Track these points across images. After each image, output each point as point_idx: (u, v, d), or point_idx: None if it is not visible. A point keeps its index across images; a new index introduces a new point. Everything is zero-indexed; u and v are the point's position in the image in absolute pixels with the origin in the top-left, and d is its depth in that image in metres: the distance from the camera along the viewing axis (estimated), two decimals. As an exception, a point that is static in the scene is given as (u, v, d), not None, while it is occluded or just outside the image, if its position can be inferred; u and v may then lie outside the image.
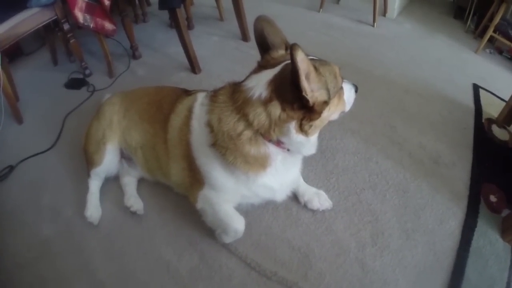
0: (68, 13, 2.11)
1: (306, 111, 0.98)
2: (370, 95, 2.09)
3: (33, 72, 2.54)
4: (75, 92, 2.28)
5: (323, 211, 1.44)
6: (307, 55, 0.88)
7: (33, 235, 1.46)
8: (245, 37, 2.64)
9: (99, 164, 1.48)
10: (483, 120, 1.94)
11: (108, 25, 2.23)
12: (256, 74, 1.05)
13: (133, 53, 2.54)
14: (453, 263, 1.28)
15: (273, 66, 1.03)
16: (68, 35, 2.19)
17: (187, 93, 1.43)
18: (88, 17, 2.11)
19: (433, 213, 1.45)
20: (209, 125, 1.10)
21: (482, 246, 1.34)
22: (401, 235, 1.37)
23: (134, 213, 1.45)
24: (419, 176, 1.59)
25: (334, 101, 1.08)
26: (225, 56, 2.52)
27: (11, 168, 1.75)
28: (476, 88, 2.21)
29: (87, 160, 1.53)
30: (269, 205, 1.44)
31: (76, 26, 2.24)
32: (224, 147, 1.08)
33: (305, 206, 1.45)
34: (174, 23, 2.18)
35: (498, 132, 1.87)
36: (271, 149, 1.09)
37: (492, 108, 2.03)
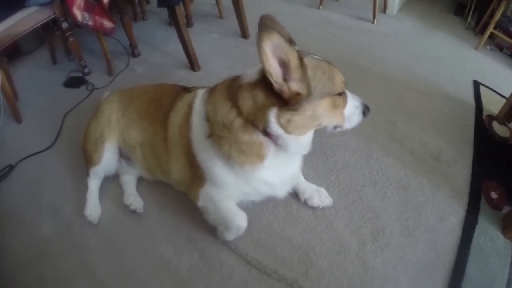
0: (66, 12, 2.10)
1: (282, 100, 0.98)
2: (370, 92, 2.09)
3: (32, 71, 2.54)
4: (74, 91, 2.27)
5: (324, 208, 1.44)
6: (291, 44, 0.92)
7: (33, 234, 1.45)
8: (244, 35, 2.64)
9: (98, 163, 1.47)
10: (483, 117, 1.93)
11: (107, 23, 2.22)
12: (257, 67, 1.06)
13: (132, 51, 2.54)
14: (454, 260, 1.28)
15: None
16: (67, 34, 2.18)
17: (186, 90, 1.43)
18: (86, 15, 2.10)
19: (434, 210, 1.44)
20: (206, 116, 1.13)
21: (483, 243, 1.33)
22: (402, 232, 1.36)
23: (133, 212, 1.45)
24: (420, 173, 1.59)
25: (323, 104, 1.02)
26: (224, 54, 2.51)
27: (11, 167, 1.75)
28: (476, 84, 2.20)
29: (86, 159, 1.53)
30: (269, 203, 1.43)
31: (75, 25, 2.23)
32: (220, 136, 1.09)
33: (305, 203, 1.44)
34: (173, 20, 2.17)
35: (499, 129, 1.87)
36: (261, 138, 1.07)
37: (493, 105, 2.02)
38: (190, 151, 1.23)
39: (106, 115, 1.49)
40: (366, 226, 1.39)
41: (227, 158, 1.12)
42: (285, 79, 0.95)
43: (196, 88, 1.39)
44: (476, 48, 2.64)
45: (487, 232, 1.37)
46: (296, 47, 1.05)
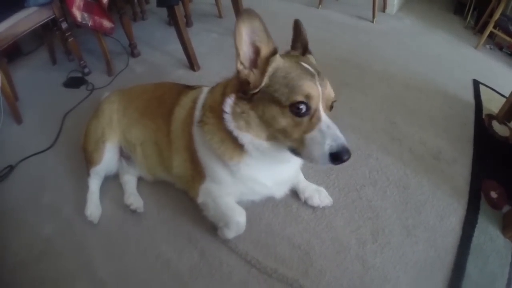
0: (66, 12, 2.10)
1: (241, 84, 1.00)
2: (370, 91, 2.09)
3: (32, 72, 2.54)
4: (74, 91, 2.27)
5: (323, 208, 1.44)
6: (262, 28, 0.92)
7: (34, 234, 1.46)
8: (244, 34, 2.63)
9: (99, 163, 1.48)
10: (483, 116, 1.94)
11: (107, 23, 2.22)
12: None
13: (132, 51, 2.53)
14: (454, 259, 1.28)
15: None
16: (67, 34, 2.18)
17: (189, 87, 1.45)
18: (86, 15, 2.10)
19: (434, 210, 1.44)
20: (202, 104, 1.18)
21: (483, 242, 1.33)
22: (401, 232, 1.36)
23: (134, 211, 1.45)
24: (420, 172, 1.59)
25: (271, 110, 0.96)
26: (224, 53, 2.51)
27: (11, 167, 1.75)
28: (476, 83, 2.20)
29: (86, 159, 1.53)
30: (269, 202, 1.44)
31: (75, 25, 2.23)
32: (205, 123, 1.13)
33: (305, 202, 1.45)
34: (173, 20, 2.17)
35: (499, 128, 1.87)
36: (234, 130, 1.05)
37: (493, 104, 2.02)
38: (191, 146, 1.24)
39: (107, 115, 1.50)
40: (366, 225, 1.39)
41: (211, 148, 1.14)
42: (253, 67, 0.98)
43: (201, 86, 1.41)
44: (476, 47, 2.64)
45: (487, 231, 1.37)
46: (311, 56, 1.07)
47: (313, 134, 0.92)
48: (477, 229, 1.37)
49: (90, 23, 2.13)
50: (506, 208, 1.45)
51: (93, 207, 1.46)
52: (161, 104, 1.42)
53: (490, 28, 2.55)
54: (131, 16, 3.01)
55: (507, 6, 2.58)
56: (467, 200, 1.48)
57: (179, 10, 2.09)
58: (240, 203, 1.27)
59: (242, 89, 1.00)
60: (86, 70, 2.39)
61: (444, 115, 1.93)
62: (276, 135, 1.00)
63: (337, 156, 0.91)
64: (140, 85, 1.64)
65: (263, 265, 1.27)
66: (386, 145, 1.72)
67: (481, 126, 1.87)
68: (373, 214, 1.42)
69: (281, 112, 0.95)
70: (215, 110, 1.10)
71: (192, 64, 2.30)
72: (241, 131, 1.03)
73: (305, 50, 1.08)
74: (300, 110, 0.92)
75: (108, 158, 1.48)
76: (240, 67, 0.98)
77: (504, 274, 1.25)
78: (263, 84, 0.95)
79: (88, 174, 1.51)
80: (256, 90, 0.96)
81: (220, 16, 3.00)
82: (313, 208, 1.44)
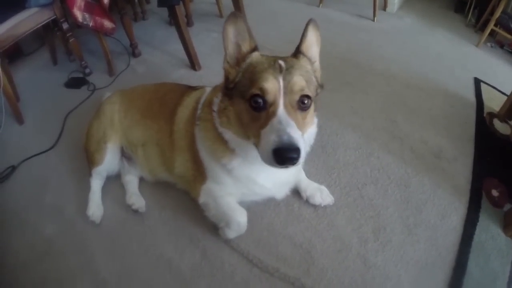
0: (67, 13, 2.11)
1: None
2: (371, 89, 2.09)
3: (33, 72, 2.54)
4: (75, 91, 2.28)
5: (325, 206, 1.44)
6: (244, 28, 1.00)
7: (36, 235, 1.46)
8: (244, 34, 2.63)
9: (101, 163, 1.48)
10: (484, 114, 1.94)
11: (107, 24, 2.22)
12: None
13: (133, 51, 2.54)
14: (455, 258, 1.29)
15: None
16: (68, 35, 2.19)
17: (192, 88, 1.46)
18: (87, 16, 2.10)
19: (435, 208, 1.44)
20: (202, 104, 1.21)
21: (484, 240, 1.34)
22: (403, 230, 1.37)
23: (135, 211, 1.46)
24: (421, 170, 1.59)
25: (238, 105, 0.99)
26: (225, 53, 2.50)
27: (13, 168, 1.76)
28: (477, 82, 2.20)
29: (88, 159, 1.53)
30: (270, 202, 1.44)
31: (75, 25, 2.23)
32: (202, 119, 1.16)
33: (307, 201, 1.45)
34: (174, 20, 2.18)
35: (500, 126, 1.87)
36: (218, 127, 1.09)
37: (494, 102, 2.02)
38: (193, 146, 1.25)
39: (109, 116, 1.50)
40: (367, 224, 1.39)
41: (205, 146, 1.16)
42: (237, 65, 1.04)
43: (204, 86, 1.42)
44: (477, 45, 2.63)
45: (488, 230, 1.37)
46: (303, 57, 1.06)
47: (266, 129, 0.89)
48: (478, 228, 1.37)
49: (91, 24, 2.13)
50: (507, 207, 1.45)
51: (95, 207, 1.46)
52: (163, 104, 1.42)
53: (491, 26, 2.54)
54: (132, 16, 3.01)
55: (508, 4, 2.57)
56: (468, 199, 1.48)
57: (180, 10, 2.10)
58: (241, 203, 1.27)
59: (226, 85, 1.05)
60: (87, 70, 2.39)
61: (445, 114, 1.93)
62: (247, 132, 1.00)
63: (279, 153, 0.85)
64: (141, 86, 1.65)
65: (265, 264, 1.27)
66: (387, 144, 1.72)
67: (482, 125, 1.87)
68: (374, 213, 1.43)
69: (245, 107, 0.96)
70: (209, 108, 1.14)
71: (193, 63, 2.30)
72: (223, 127, 1.07)
73: (296, 51, 1.07)
74: (257, 104, 0.92)
75: (109, 159, 1.49)
76: (226, 65, 1.05)
77: (505, 272, 1.25)
78: (237, 79, 1.00)
79: (90, 174, 1.52)
80: (232, 85, 1.02)
81: (221, 16, 3.00)
82: (315, 206, 1.44)
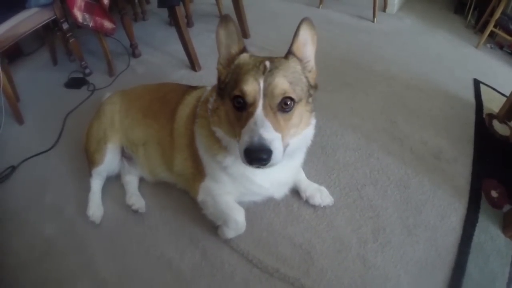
0: (67, 13, 2.11)
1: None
2: (371, 90, 2.10)
3: (33, 72, 2.54)
4: (75, 92, 2.28)
5: (324, 207, 1.44)
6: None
7: (36, 235, 1.46)
8: (245, 34, 2.63)
9: (101, 163, 1.48)
10: (484, 116, 1.94)
11: (108, 24, 2.23)
12: None
13: (133, 52, 2.54)
14: (455, 258, 1.29)
15: None
16: (68, 35, 2.19)
17: (192, 88, 1.47)
18: (87, 16, 2.11)
19: (435, 209, 1.45)
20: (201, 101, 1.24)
21: (483, 241, 1.34)
22: (402, 231, 1.37)
23: (135, 212, 1.46)
24: (420, 171, 1.59)
25: (226, 105, 1.02)
26: (224, 54, 2.51)
27: (13, 168, 1.76)
28: (477, 83, 2.20)
29: (88, 160, 1.54)
30: (270, 202, 1.44)
31: (76, 26, 2.24)
32: (201, 116, 1.19)
33: (306, 202, 1.45)
34: (174, 21, 2.18)
35: (499, 128, 1.87)
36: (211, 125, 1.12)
37: (493, 103, 2.02)
38: (193, 144, 1.26)
39: (109, 116, 1.51)
40: (367, 224, 1.39)
41: (202, 143, 1.19)
42: (228, 66, 1.07)
43: (205, 86, 1.43)
44: (476, 47, 2.64)
45: (487, 230, 1.38)
46: (293, 58, 1.06)
47: (244, 129, 0.91)
48: (478, 229, 1.38)
49: (91, 24, 2.13)
50: (506, 208, 1.46)
51: (95, 208, 1.46)
52: (164, 104, 1.43)
53: (490, 27, 2.55)
54: (132, 17, 3.01)
55: (507, 5, 2.57)
56: (467, 200, 1.49)
57: (180, 10, 2.10)
58: (241, 203, 1.28)
59: (218, 86, 1.09)
60: (87, 70, 2.40)
61: (445, 115, 1.93)
62: (234, 132, 1.01)
63: (248, 153, 0.87)
64: (142, 86, 1.65)
65: (265, 265, 1.28)
66: (387, 145, 1.73)
67: (482, 126, 1.87)
68: (374, 214, 1.43)
69: (230, 106, 0.99)
70: (206, 106, 1.17)
71: (193, 64, 2.31)
72: (214, 126, 1.10)
73: (287, 51, 1.07)
74: (239, 105, 0.95)
75: (110, 159, 1.49)
76: (219, 66, 1.08)
77: (505, 273, 1.25)
78: (227, 79, 1.03)
79: (90, 175, 1.52)
80: (223, 86, 1.05)
81: (222, 16, 3.00)
82: (314, 207, 1.44)
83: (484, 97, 2.08)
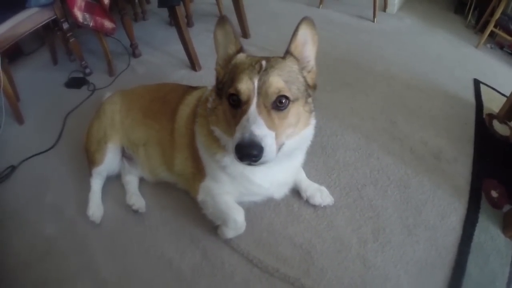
0: (67, 13, 2.11)
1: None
2: (370, 90, 2.10)
3: (33, 72, 2.55)
4: (75, 91, 2.28)
5: (325, 207, 1.45)
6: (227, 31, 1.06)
7: (36, 235, 1.46)
8: (245, 34, 2.63)
9: (101, 163, 1.48)
10: (484, 116, 1.94)
11: (108, 24, 2.23)
12: None
13: (133, 52, 2.54)
14: (455, 258, 1.29)
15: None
16: (68, 35, 2.19)
17: (193, 88, 1.47)
18: (87, 16, 2.11)
19: (435, 209, 1.45)
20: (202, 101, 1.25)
21: (483, 241, 1.34)
22: (402, 231, 1.37)
23: (136, 212, 1.46)
24: (420, 171, 1.60)
25: (224, 105, 1.03)
26: (225, 54, 2.51)
27: (13, 168, 1.76)
28: (477, 83, 2.20)
29: (88, 159, 1.54)
30: (270, 202, 1.44)
31: (76, 25, 2.24)
32: (200, 115, 1.21)
33: (307, 201, 1.45)
34: (174, 20, 2.18)
35: (499, 128, 1.87)
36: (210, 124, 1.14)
37: (493, 103, 2.02)
38: (193, 144, 1.26)
39: (109, 116, 1.51)
40: (367, 224, 1.39)
41: (201, 142, 1.20)
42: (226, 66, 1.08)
43: (206, 86, 1.43)
44: (477, 47, 2.64)
45: (487, 230, 1.38)
46: (290, 57, 1.06)
47: (237, 127, 0.92)
48: (478, 228, 1.38)
49: (91, 24, 2.14)
50: (506, 208, 1.46)
51: (95, 207, 1.47)
52: (165, 104, 1.43)
53: (490, 27, 2.55)
54: (132, 17, 3.01)
55: (507, 5, 2.57)
56: (467, 200, 1.49)
57: (180, 10, 2.10)
58: (241, 204, 1.28)
59: (217, 86, 1.11)
60: (88, 70, 2.40)
61: (445, 115, 1.93)
62: (231, 131, 1.01)
63: (238, 149, 0.88)
64: (142, 86, 1.65)
65: (265, 264, 1.28)
66: (387, 145, 1.73)
67: (482, 126, 1.87)
68: (374, 214, 1.43)
69: (226, 104, 1.01)
70: (206, 105, 1.18)
71: (193, 64, 2.31)
72: (213, 125, 1.11)
73: (285, 51, 1.07)
74: (234, 102, 0.97)
75: (110, 159, 1.49)
76: (218, 67, 1.11)
77: (505, 273, 1.25)
78: (224, 79, 1.05)
79: (90, 174, 1.52)
80: (221, 85, 1.07)
81: (219, 17, 3.00)
82: (315, 207, 1.45)
83: (484, 97, 2.08)
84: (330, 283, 1.23)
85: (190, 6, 2.89)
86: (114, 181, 1.59)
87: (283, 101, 0.96)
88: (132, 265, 1.33)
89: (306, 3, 3.22)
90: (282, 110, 0.96)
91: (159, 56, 2.55)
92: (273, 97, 0.95)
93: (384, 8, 3.12)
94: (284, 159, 1.14)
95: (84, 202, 1.48)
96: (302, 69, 1.06)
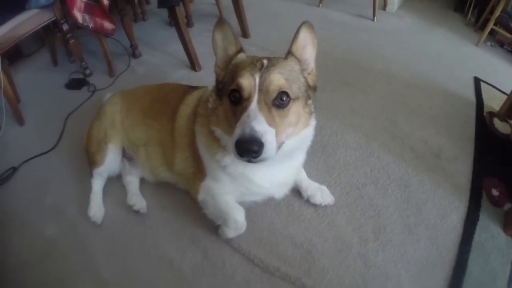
0: (67, 14, 2.11)
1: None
2: (371, 89, 2.09)
3: (34, 74, 2.55)
4: (76, 92, 2.28)
5: (325, 206, 1.44)
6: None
7: (37, 235, 1.47)
8: (245, 34, 2.63)
9: (101, 164, 1.49)
10: (484, 114, 1.94)
11: (108, 25, 2.23)
12: None
13: (133, 52, 2.54)
14: (455, 257, 1.29)
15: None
16: (68, 36, 2.19)
17: (193, 88, 1.48)
18: (87, 17, 2.11)
19: (435, 208, 1.45)
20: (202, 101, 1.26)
21: (484, 240, 1.34)
22: (403, 230, 1.37)
23: (137, 212, 1.46)
24: (421, 170, 1.59)
25: (225, 104, 1.04)
26: (225, 54, 2.51)
27: (14, 169, 1.76)
28: (477, 81, 2.20)
29: (89, 160, 1.54)
30: (271, 201, 1.44)
31: (76, 26, 2.24)
32: (201, 115, 1.21)
33: (307, 201, 1.45)
34: (174, 21, 2.18)
35: (500, 126, 1.87)
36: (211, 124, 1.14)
37: (494, 102, 2.02)
38: (194, 143, 1.26)
39: (110, 116, 1.51)
40: (368, 224, 1.39)
41: (201, 141, 1.20)
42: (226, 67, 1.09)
43: (206, 86, 1.44)
44: (477, 45, 2.63)
45: (488, 229, 1.37)
46: (292, 57, 1.07)
47: (237, 124, 0.92)
48: (479, 227, 1.37)
49: (91, 25, 2.14)
50: (507, 206, 1.46)
51: (96, 208, 1.47)
52: (165, 103, 1.44)
53: (490, 25, 2.54)
54: (132, 17, 3.01)
55: (507, 3, 2.57)
56: (468, 198, 1.49)
57: (180, 10, 2.10)
58: (242, 204, 1.28)
59: (217, 86, 1.12)
60: (88, 71, 2.40)
61: (445, 113, 1.93)
62: (231, 130, 1.00)
63: (239, 144, 0.87)
64: (142, 86, 1.66)
65: (266, 264, 1.28)
66: (387, 144, 1.73)
67: (482, 124, 1.87)
68: (374, 213, 1.43)
69: (227, 102, 1.01)
70: (207, 105, 1.18)
71: (193, 64, 2.31)
72: (213, 125, 1.12)
73: (287, 52, 1.08)
74: (235, 99, 0.97)
75: (110, 159, 1.49)
76: (217, 69, 1.11)
77: (506, 272, 1.25)
78: (225, 79, 1.05)
79: (91, 175, 1.52)
80: (221, 86, 1.07)
81: (218, 19, 2.99)
82: (315, 206, 1.45)
83: (484, 95, 2.08)
84: (331, 282, 1.23)
85: (189, 6, 2.89)
86: (115, 182, 1.59)
87: (284, 98, 0.96)
88: (133, 265, 1.33)
89: (306, 2, 3.22)
90: (282, 107, 0.97)
91: (159, 57, 2.55)
92: (274, 94, 0.95)
93: (384, 7, 3.12)
94: (285, 159, 1.14)
95: (84, 202, 1.48)
96: (302, 70, 1.08)
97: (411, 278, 1.23)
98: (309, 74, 1.10)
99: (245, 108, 0.93)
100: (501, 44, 2.68)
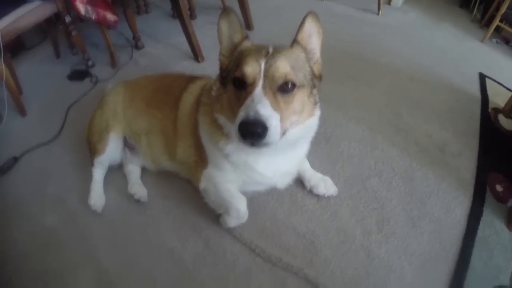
0: (69, 6, 2.09)
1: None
2: (375, 83, 2.08)
3: (36, 66, 2.54)
4: (78, 84, 2.27)
5: (328, 197, 1.44)
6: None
7: (38, 225, 1.46)
8: (248, 26, 2.62)
9: (103, 153, 1.48)
10: (489, 110, 1.92)
11: (110, 16, 2.21)
12: None
13: (136, 44, 2.53)
14: (459, 252, 1.28)
15: None
16: (70, 28, 2.18)
17: (197, 77, 1.47)
18: (89, 8, 2.09)
19: (439, 202, 1.44)
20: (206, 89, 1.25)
21: (488, 235, 1.33)
22: (407, 223, 1.36)
23: (138, 201, 1.46)
24: (425, 164, 1.58)
25: (229, 91, 1.03)
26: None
27: (15, 159, 1.75)
28: (482, 77, 2.18)
29: (90, 150, 1.53)
30: (273, 191, 1.43)
31: (78, 18, 2.23)
32: (204, 104, 1.21)
33: (310, 191, 1.44)
34: (177, 13, 2.17)
35: (505, 122, 1.86)
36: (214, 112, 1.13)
37: (499, 98, 2.01)
38: (196, 132, 1.26)
39: (112, 106, 1.50)
40: (371, 216, 1.38)
41: (204, 129, 1.19)
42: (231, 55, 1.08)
43: (210, 75, 1.43)
44: (482, 41, 2.61)
45: (492, 224, 1.36)
46: (298, 46, 1.06)
47: (241, 108, 0.91)
48: (482, 222, 1.37)
49: (93, 17, 2.12)
50: (511, 202, 1.44)
51: (97, 197, 1.46)
52: (168, 93, 1.43)
53: (496, 21, 2.52)
54: (135, 9, 3.00)
55: (513, -1, 2.54)
56: (472, 193, 1.47)
57: (183, 2, 2.09)
58: (245, 193, 1.27)
59: (221, 74, 1.11)
60: (90, 63, 2.39)
61: (450, 108, 1.92)
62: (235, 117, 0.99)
63: (242, 127, 0.86)
64: (145, 77, 1.65)
65: (268, 254, 1.27)
66: (392, 137, 1.71)
67: (487, 120, 1.85)
68: (378, 205, 1.42)
69: (231, 88, 1.01)
70: (210, 94, 1.18)
71: (196, 55, 2.30)
72: (217, 113, 1.11)
73: (292, 41, 1.08)
74: (239, 84, 0.97)
75: (112, 148, 1.49)
76: (222, 57, 1.11)
77: (509, 267, 1.24)
78: (229, 67, 1.05)
79: (92, 164, 1.52)
80: (225, 73, 1.07)
81: (224, 8, 2.98)
82: (318, 197, 1.44)
83: (489, 91, 2.07)
84: (333, 273, 1.22)
85: (193, -2, 2.88)
86: (116, 171, 1.58)
87: (289, 85, 0.96)
88: (134, 254, 1.33)
89: (310, -5, 3.20)
90: (287, 93, 0.96)
91: (162, 48, 2.54)
92: (279, 81, 0.94)
93: (389, 1, 3.11)
94: (288, 149, 1.14)
95: (86, 193, 1.48)
96: (308, 59, 1.07)
97: (414, 271, 1.22)
98: (314, 63, 1.09)
99: (249, 93, 0.92)
100: (506, 41, 2.66)
